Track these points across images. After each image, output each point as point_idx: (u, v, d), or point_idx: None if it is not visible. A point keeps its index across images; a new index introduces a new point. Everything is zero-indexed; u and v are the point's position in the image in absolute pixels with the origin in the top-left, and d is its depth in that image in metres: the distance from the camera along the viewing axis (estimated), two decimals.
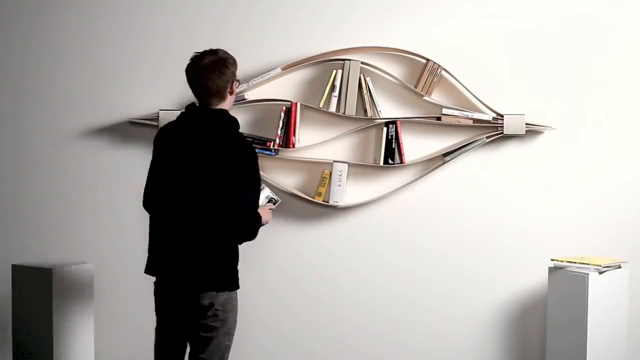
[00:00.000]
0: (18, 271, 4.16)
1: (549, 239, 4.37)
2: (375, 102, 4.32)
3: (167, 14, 4.41)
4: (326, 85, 4.29)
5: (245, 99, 4.34)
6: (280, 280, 4.47)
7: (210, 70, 3.26)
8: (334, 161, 4.36)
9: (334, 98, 4.31)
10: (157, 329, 3.43)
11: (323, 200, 4.37)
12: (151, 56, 4.41)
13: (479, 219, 4.40)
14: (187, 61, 3.27)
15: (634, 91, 4.38)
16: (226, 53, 3.34)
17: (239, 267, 3.40)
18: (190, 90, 3.52)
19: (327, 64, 4.33)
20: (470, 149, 4.30)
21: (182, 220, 3.27)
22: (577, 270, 4.01)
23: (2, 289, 4.40)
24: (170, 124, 3.40)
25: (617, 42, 4.36)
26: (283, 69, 4.32)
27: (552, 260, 4.12)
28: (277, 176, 4.41)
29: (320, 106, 4.31)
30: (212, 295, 3.27)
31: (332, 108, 4.32)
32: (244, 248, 4.43)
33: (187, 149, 3.27)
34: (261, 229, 3.35)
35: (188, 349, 3.43)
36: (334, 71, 4.29)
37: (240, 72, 4.36)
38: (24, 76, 4.46)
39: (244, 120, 4.41)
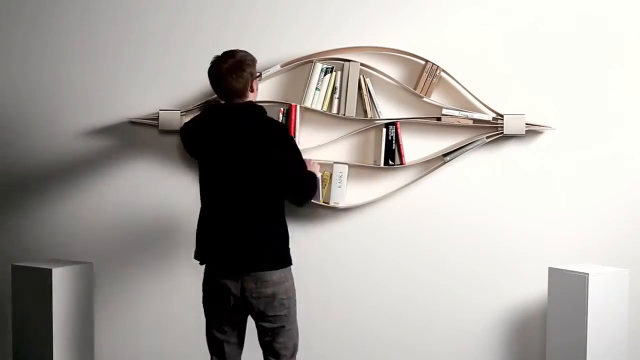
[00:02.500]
0: (18, 271, 4.16)
1: (548, 238, 4.37)
2: (375, 103, 4.32)
3: (167, 14, 4.41)
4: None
5: None
6: None
7: (228, 75, 3.43)
8: (335, 162, 4.36)
9: (335, 100, 4.32)
10: None
11: (323, 202, 4.37)
12: (151, 56, 4.41)
13: (479, 218, 4.40)
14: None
15: (634, 91, 4.38)
16: (245, 53, 3.50)
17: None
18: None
19: (325, 64, 4.33)
20: (470, 149, 4.30)
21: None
22: (577, 270, 4.01)
23: (2, 289, 4.40)
24: (196, 117, 3.57)
25: (617, 42, 4.36)
26: (282, 67, 4.33)
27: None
28: None
29: (322, 109, 4.32)
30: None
31: (333, 109, 4.33)
32: None
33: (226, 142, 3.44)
34: None
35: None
36: (334, 73, 4.31)
37: None
38: (25, 76, 4.46)
39: None
